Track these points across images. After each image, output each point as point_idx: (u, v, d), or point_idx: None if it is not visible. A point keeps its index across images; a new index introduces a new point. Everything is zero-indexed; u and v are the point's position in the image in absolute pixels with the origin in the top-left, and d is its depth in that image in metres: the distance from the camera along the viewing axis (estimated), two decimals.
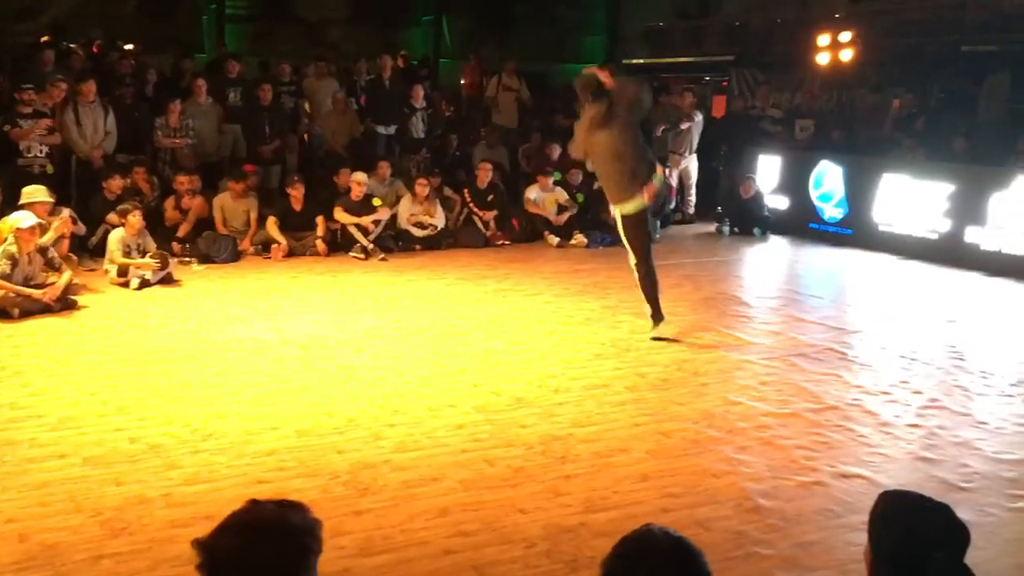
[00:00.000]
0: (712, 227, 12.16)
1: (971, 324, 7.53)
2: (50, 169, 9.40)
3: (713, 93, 16.12)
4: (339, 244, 9.92)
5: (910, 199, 10.28)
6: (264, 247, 9.72)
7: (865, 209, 10.82)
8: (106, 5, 16.28)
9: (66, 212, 8.33)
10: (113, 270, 8.15)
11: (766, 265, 10.67)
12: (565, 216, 11.05)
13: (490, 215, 10.86)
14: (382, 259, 9.64)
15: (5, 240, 7.19)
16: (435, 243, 10.34)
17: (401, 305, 7.69)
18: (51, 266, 7.36)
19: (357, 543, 3.64)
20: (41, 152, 9.33)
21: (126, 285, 8.01)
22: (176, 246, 9.26)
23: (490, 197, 10.96)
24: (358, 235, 9.79)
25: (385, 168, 10.91)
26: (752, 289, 9.17)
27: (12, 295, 6.95)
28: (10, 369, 5.74)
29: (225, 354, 6.13)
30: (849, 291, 9.24)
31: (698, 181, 13.02)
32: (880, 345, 6.79)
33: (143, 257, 8.20)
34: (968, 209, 9.63)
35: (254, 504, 2.01)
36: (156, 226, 9.14)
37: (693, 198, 13.03)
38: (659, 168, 6.62)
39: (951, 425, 5.10)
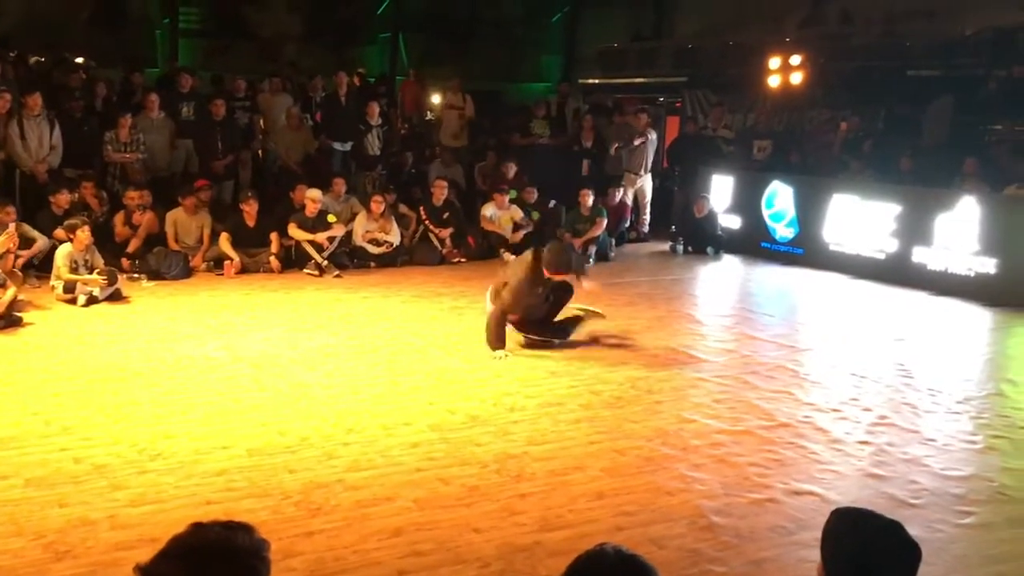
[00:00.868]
0: (666, 246, 12.28)
1: (919, 342, 7.68)
2: None
3: (667, 114, 16.30)
4: (293, 261, 9.83)
5: (859, 219, 10.48)
6: (216, 263, 9.60)
7: (816, 229, 11.00)
8: (57, 18, 16.03)
9: (11, 227, 8.14)
10: (60, 286, 7.98)
11: (719, 284, 10.79)
12: (521, 234, 11.07)
13: (446, 232, 10.84)
14: (336, 276, 9.57)
15: None
16: (390, 260, 10.29)
17: (355, 322, 7.63)
18: None
19: (308, 565, 3.58)
20: None
21: (73, 302, 7.83)
22: (125, 262, 9.10)
23: (446, 215, 10.95)
24: (312, 252, 9.70)
25: (340, 185, 10.85)
26: (705, 307, 9.27)
27: None
28: None
29: (175, 372, 6.02)
30: (800, 310, 9.37)
31: (652, 200, 13.17)
32: (831, 363, 6.88)
33: (91, 273, 8.04)
34: (915, 230, 9.83)
35: (197, 527, 1.94)
36: (105, 242, 8.98)
37: (648, 217, 13.17)
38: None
39: (900, 442, 5.17)
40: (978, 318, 8.63)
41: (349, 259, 10.08)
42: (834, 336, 7.77)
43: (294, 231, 9.82)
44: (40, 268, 8.60)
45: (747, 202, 12.02)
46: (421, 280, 9.54)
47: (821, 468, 4.77)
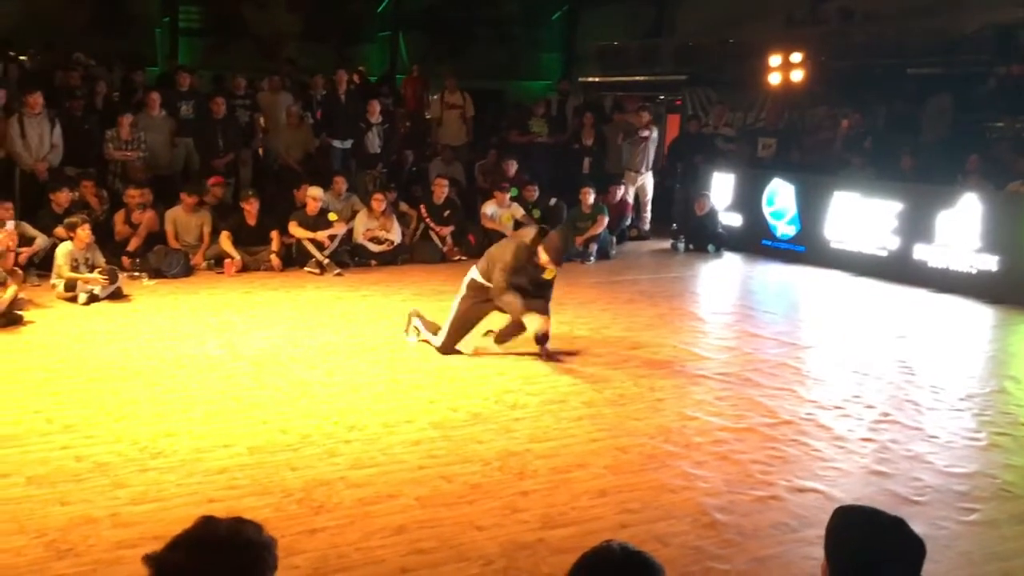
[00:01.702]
0: (667, 244, 12.27)
1: (921, 340, 7.67)
2: None
3: (667, 112, 16.29)
4: (294, 259, 9.81)
5: (860, 217, 10.47)
6: (217, 262, 9.58)
7: (817, 226, 10.99)
8: (57, 17, 16.01)
9: (10, 225, 8.13)
10: (60, 285, 7.97)
11: (720, 281, 10.77)
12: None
13: (446, 231, 10.83)
14: (337, 274, 9.56)
15: None
16: (391, 258, 10.28)
17: (356, 321, 7.62)
18: None
19: (312, 563, 3.57)
20: None
21: (74, 300, 7.82)
22: (126, 260, 9.09)
23: (446, 212, 10.94)
24: (313, 250, 9.69)
25: (341, 183, 10.84)
26: (707, 305, 9.26)
27: None
28: None
29: (176, 370, 6.01)
30: (802, 307, 9.35)
31: (653, 198, 13.16)
32: (833, 360, 6.87)
33: (91, 272, 8.03)
34: (916, 227, 9.82)
35: (207, 519, 1.95)
36: (106, 240, 8.97)
37: (649, 215, 13.16)
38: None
39: (903, 439, 5.16)
40: (980, 315, 8.62)
41: (350, 257, 10.07)
42: (836, 333, 7.77)
43: (295, 229, 9.81)
44: (41, 267, 8.59)
45: (748, 200, 12.01)
46: (422, 278, 9.53)
47: (824, 465, 4.76)
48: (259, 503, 4.05)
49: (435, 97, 13.43)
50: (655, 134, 12.97)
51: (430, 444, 4.84)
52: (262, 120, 12.18)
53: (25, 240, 8.54)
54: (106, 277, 7.97)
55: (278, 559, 1.98)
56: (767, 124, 13.50)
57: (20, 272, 8.16)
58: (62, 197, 9.08)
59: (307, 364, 6.25)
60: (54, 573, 3.45)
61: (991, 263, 9.12)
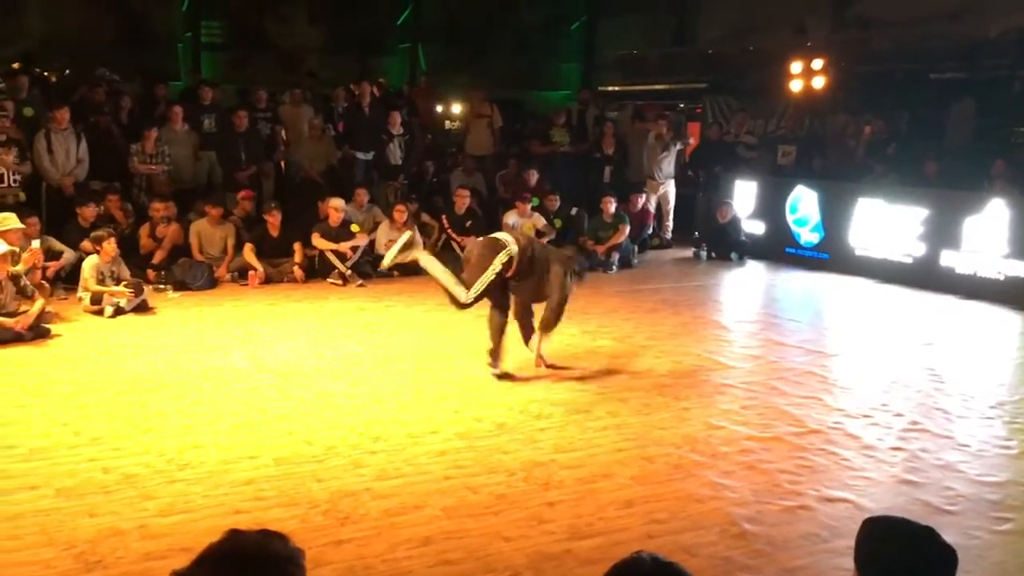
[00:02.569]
0: (689, 252, 12.22)
1: (949, 347, 7.58)
2: (22, 197, 9.30)
3: (687, 120, 16.24)
4: (316, 270, 9.85)
5: (885, 223, 10.38)
6: (241, 274, 9.63)
7: (841, 234, 10.91)
8: (81, 34, 16.19)
9: (36, 243, 8.19)
10: (87, 298, 8.03)
11: (744, 289, 10.71)
12: (543, 242, 11.02)
13: (468, 241, 10.81)
14: (360, 285, 9.58)
15: None
16: (414, 269, 10.26)
17: (380, 331, 7.63)
18: (23, 294, 7.23)
19: (338, 574, 3.57)
20: (14, 182, 9.25)
21: (100, 313, 7.89)
22: (151, 273, 9.16)
23: (468, 223, 10.95)
24: (336, 261, 9.72)
25: (363, 195, 10.88)
26: (731, 313, 9.20)
27: None
28: None
29: (201, 382, 6.04)
30: (827, 315, 9.28)
31: (675, 206, 13.14)
32: (860, 368, 6.81)
33: (117, 285, 8.09)
34: (943, 233, 9.73)
35: (234, 533, 1.94)
36: (131, 253, 9.04)
37: (671, 223, 13.12)
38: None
39: (933, 448, 5.10)
40: (1009, 322, 8.52)
41: (372, 268, 10.09)
42: (862, 341, 7.69)
43: (318, 241, 9.85)
44: (67, 280, 8.67)
45: (771, 207, 11.95)
46: None
47: (853, 475, 4.71)
48: (285, 514, 4.05)
49: (457, 107, 13.46)
50: (678, 146, 13.01)
51: (455, 455, 4.83)
52: (284, 133, 12.25)
53: (52, 254, 8.63)
54: (132, 290, 8.04)
55: (306, 570, 1.97)
56: (787, 131, 13.44)
57: (47, 286, 8.23)
58: (88, 211, 9.17)
59: (331, 375, 6.27)
60: None
61: (1020, 269, 9.01)
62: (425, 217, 11.17)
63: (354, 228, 10.05)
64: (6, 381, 6.01)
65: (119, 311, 7.89)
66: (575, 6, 19.75)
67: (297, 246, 9.82)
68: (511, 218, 11.18)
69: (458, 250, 10.75)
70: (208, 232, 9.70)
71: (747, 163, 13.03)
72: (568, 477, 4.57)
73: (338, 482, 4.43)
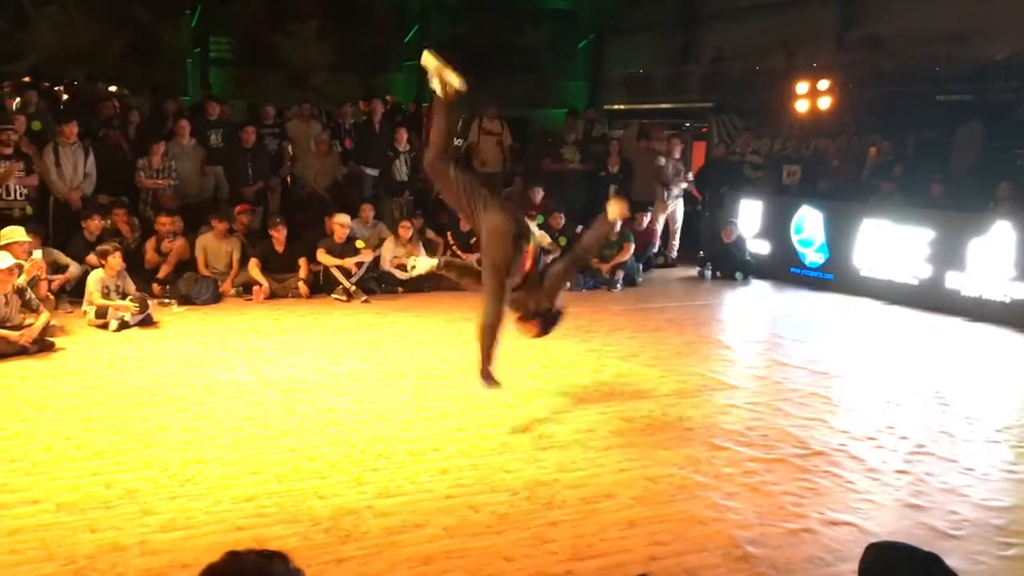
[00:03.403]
0: (694, 271, 12.21)
1: (954, 369, 7.55)
2: (29, 210, 9.35)
3: (693, 139, 16.28)
4: (321, 286, 9.86)
5: (890, 244, 10.37)
6: (246, 289, 9.65)
7: (846, 254, 10.90)
8: (91, 48, 16.31)
9: (37, 253, 8.20)
10: (92, 312, 8.04)
11: (748, 309, 10.69)
12: (548, 259, 11.02)
13: (473, 258, 10.82)
14: (364, 301, 9.59)
15: None
16: (418, 285, 10.29)
17: (384, 348, 7.63)
18: (28, 307, 7.25)
19: None
20: (20, 195, 9.29)
21: (105, 327, 7.90)
22: (156, 287, 9.18)
23: (473, 239, 10.95)
24: (340, 277, 9.73)
25: (368, 211, 10.90)
26: (735, 333, 9.18)
27: None
28: None
29: (204, 397, 6.04)
30: (832, 335, 9.24)
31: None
32: (864, 390, 6.78)
33: (122, 299, 8.11)
34: (948, 255, 9.71)
35: (233, 555, 1.91)
36: (136, 268, 9.06)
37: (677, 242, 13.13)
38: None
39: (938, 471, 5.07)
40: (1014, 344, 8.48)
41: (377, 284, 10.11)
42: (867, 362, 7.67)
43: (323, 257, 9.86)
44: (72, 294, 8.69)
45: (776, 227, 11.94)
46: (449, 305, 9.53)
47: (858, 498, 4.68)
48: (286, 531, 4.04)
49: (473, 124, 13.48)
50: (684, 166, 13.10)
51: (458, 473, 4.81)
52: (290, 148, 12.30)
53: (57, 268, 8.66)
54: (137, 304, 8.05)
55: None
56: (791, 151, 13.45)
57: (52, 299, 8.26)
58: (93, 225, 9.20)
59: (335, 391, 6.26)
60: None
61: None
62: (430, 233, 11.18)
63: (359, 244, 10.07)
64: (10, 394, 6.01)
65: (124, 325, 7.90)
66: (582, 25, 19.85)
67: (302, 261, 9.83)
68: None
69: None
70: (214, 247, 9.72)
71: (752, 182, 13.05)
72: (571, 497, 4.55)
73: (340, 499, 4.42)
